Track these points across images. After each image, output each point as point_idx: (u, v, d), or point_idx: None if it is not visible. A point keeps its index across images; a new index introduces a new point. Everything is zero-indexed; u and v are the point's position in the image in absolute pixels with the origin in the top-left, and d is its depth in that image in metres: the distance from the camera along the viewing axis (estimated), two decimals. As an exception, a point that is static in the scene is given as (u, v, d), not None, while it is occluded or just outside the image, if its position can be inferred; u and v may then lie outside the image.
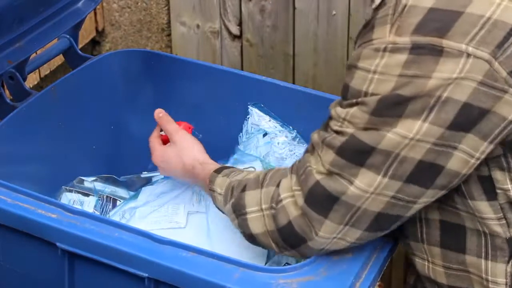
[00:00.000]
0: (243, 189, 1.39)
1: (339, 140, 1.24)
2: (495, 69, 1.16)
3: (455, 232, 1.33)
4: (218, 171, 1.48)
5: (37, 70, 2.28)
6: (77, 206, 1.72)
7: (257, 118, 1.83)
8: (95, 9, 2.56)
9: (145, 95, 1.96)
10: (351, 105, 1.23)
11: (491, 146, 1.21)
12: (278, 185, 1.34)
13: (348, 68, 1.25)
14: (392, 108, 1.19)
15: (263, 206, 1.35)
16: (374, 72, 1.20)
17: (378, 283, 1.42)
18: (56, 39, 1.87)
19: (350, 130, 1.23)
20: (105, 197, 1.78)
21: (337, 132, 1.25)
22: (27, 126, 1.73)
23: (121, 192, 1.82)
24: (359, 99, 1.22)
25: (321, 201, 1.27)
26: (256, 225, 1.36)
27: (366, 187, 1.23)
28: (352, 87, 1.23)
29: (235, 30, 2.54)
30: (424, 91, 1.17)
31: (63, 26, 1.81)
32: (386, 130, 1.20)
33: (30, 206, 1.44)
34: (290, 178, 1.33)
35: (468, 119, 1.18)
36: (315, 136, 1.31)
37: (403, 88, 1.18)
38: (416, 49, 1.17)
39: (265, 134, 1.80)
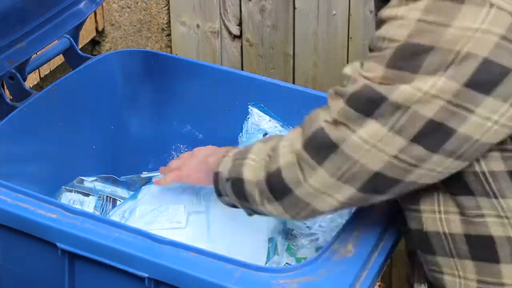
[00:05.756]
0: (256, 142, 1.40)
1: (351, 89, 1.20)
2: None
3: (483, 243, 1.28)
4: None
5: (37, 70, 2.28)
6: (77, 206, 1.72)
7: (257, 118, 1.83)
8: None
9: (145, 95, 1.96)
10: (369, 58, 1.20)
11: None
12: (282, 138, 1.33)
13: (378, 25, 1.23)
14: (408, 59, 1.14)
15: (261, 156, 1.34)
16: (395, 18, 1.17)
17: (378, 283, 1.42)
18: (56, 39, 1.87)
19: (363, 81, 1.19)
20: (105, 197, 1.78)
21: (350, 83, 1.21)
22: (27, 126, 1.73)
23: (121, 192, 1.82)
24: (376, 50, 1.18)
25: (319, 146, 1.23)
26: (249, 171, 1.35)
27: (368, 137, 1.19)
28: (374, 37, 1.20)
29: (235, 30, 2.54)
30: (442, 41, 1.12)
31: (65, 27, 1.81)
32: (401, 82, 1.15)
33: (30, 206, 1.44)
34: (294, 130, 1.31)
35: (488, 77, 1.12)
36: (329, 90, 1.27)
37: (420, 36, 1.14)
38: None
39: (265, 134, 1.80)
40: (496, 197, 1.24)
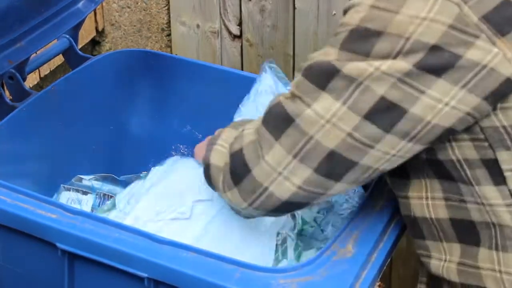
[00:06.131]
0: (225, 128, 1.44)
1: (307, 63, 1.25)
2: (465, 13, 1.16)
3: (466, 227, 1.31)
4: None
5: (37, 70, 2.29)
6: (75, 205, 1.72)
7: (272, 81, 1.72)
8: (95, 9, 2.56)
9: (145, 95, 1.96)
10: (327, 43, 1.24)
11: (463, 92, 1.18)
12: (250, 121, 1.37)
13: None
14: (360, 42, 1.19)
15: (229, 141, 1.36)
16: (352, 6, 1.22)
17: (378, 283, 1.42)
18: (56, 39, 1.87)
19: (321, 58, 1.23)
20: (102, 194, 1.77)
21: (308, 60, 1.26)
22: (27, 126, 1.73)
23: (120, 191, 1.81)
24: (334, 36, 1.23)
25: (276, 120, 1.26)
26: (216, 156, 1.37)
27: (323, 111, 1.21)
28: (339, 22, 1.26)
29: (235, 30, 2.54)
30: (391, 27, 1.17)
31: (63, 27, 1.81)
32: (354, 60, 1.19)
33: (30, 206, 1.44)
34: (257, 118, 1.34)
35: (438, 62, 1.16)
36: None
37: (371, 21, 1.18)
38: None
39: None
40: (472, 185, 1.28)
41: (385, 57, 1.17)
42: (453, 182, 1.30)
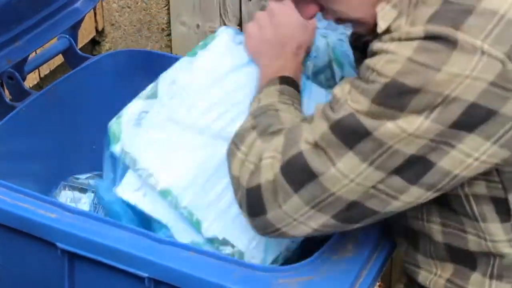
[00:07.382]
0: (255, 126, 1.31)
1: (337, 115, 1.18)
2: (508, 69, 1.11)
3: (463, 253, 1.30)
4: (282, 80, 1.39)
5: (37, 70, 2.29)
6: (72, 204, 1.72)
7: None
8: (95, 9, 2.57)
9: (145, 95, 1.96)
10: (357, 87, 1.17)
11: (495, 147, 1.15)
12: (270, 141, 1.27)
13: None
14: (395, 98, 1.13)
15: (250, 159, 1.27)
16: (386, 51, 1.15)
17: (378, 283, 1.42)
18: (55, 39, 1.88)
19: (350, 109, 1.17)
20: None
21: (336, 108, 1.19)
22: (27, 126, 1.73)
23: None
24: (363, 79, 1.17)
25: (297, 173, 1.21)
26: (236, 168, 1.29)
27: (347, 171, 1.17)
28: (364, 65, 1.18)
29: (235, 30, 2.54)
30: (431, 85, 1.11)
31: (62, 26, 1.81)
32: (386, 120, 1.14)
33: (30, 206, 1.44)
34: (281, 138, 1.26)
35: (472, 119, 1.12)
36: (318, 106, 1.25)
37: (409, 76, 1.12)
38: (429, 38, 1.12)
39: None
40: (477, 221, 1.26)
41: (420, 112, 1.13)
42: (454, 213, 1.28)
